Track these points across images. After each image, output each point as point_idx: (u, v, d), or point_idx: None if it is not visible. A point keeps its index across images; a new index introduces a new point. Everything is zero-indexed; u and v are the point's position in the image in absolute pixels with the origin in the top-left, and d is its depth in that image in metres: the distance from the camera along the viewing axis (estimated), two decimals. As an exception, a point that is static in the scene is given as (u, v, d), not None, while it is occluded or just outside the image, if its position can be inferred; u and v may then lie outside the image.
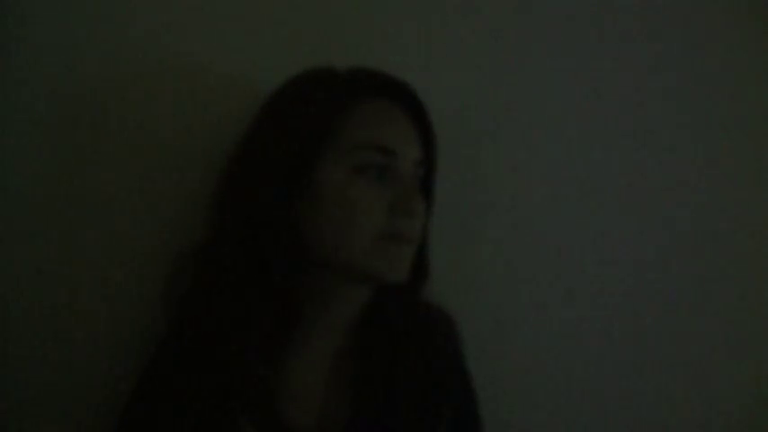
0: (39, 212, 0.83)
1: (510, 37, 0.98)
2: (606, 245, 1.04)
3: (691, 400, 1.08)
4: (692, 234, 1.07)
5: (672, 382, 1.07)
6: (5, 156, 0.82)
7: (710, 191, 1.08)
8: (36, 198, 0.83)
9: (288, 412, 0.72)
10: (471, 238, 0.98)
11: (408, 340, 0.78)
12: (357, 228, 0.69)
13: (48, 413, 0.83)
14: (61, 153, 0.83)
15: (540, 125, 1.00)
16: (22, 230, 0.83)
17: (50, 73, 0.82)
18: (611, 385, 1.05)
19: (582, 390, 1.03)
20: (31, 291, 0.83)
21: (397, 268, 0.71)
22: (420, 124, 0.76)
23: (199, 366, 0.71)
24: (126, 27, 0.84)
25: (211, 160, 0.82)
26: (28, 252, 0.83)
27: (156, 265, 0.82)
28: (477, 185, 0.98)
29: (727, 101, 1.08)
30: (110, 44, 0.83)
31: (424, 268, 0.79)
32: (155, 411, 0.72)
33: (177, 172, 0.86)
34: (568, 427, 1.03)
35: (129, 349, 0.83)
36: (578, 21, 1.01)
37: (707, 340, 1.08)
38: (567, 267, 1.02)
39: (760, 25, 1.09)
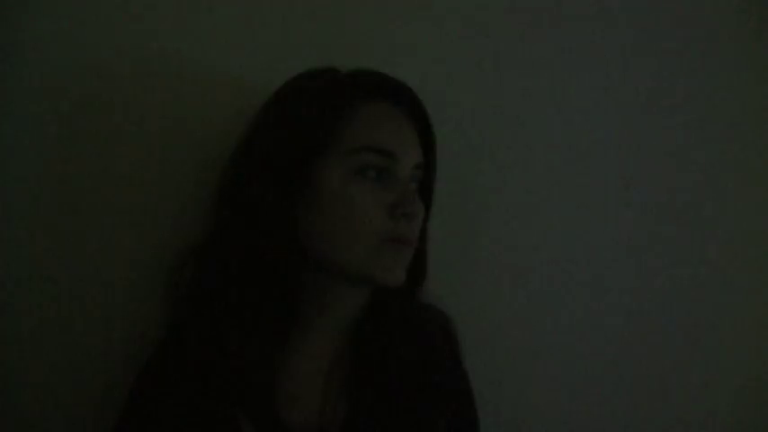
0: (39, 212, 0.83)
1: (510, 38, 0.98)
2: (606, 245, 1.04)
3: (690, 400, 1.08)
4: (693, 234, 1.07)
5: (671, 382, 1.07)
6: (5, 156, 0.82)
7: (710, 190, 1.08)
8: (36, 198, 0.83)
9: (287, 412, 0.72)
10: (469, 240, 0.98)
11: (406, 341, 0.78)
12: (356, 230, 0.69)
13: (48, 413, 0.84)
14: (61, 153, 0.83)
15: (540, 127, 1.00)
16: (22, 230, 0.83)
17: (50, 73, 0.82)
18: (611, 385, 1.05)
19: (580, 390, 1.04)
20: (31, 291, 0.83)
21: (394, 271, 0.71)
22: (420, 126, 0.76)
23: (198, 366, 0.71)
24: (126, 27, 0.84)
25: (211, 160, 0.82)
26: (28, 252, 0.83)
27: (156, 265, 0.82)
28: (476, 187, 0.98)
29: (728, 101, 1.08)
30: (110, 44, 0.83)
31: (423, 270, 0.80)
32: (154, 411, 0.72)
33: (177, 172, 0.86)
34: (567, 426, 1.03)
35: (129, 349, 0.83)
36: (578, 21, 1.01)
37: (707, 340, 1.09)
38: (566, 268, 1.02)
39: (760, 25, 1.09)
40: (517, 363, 1.01)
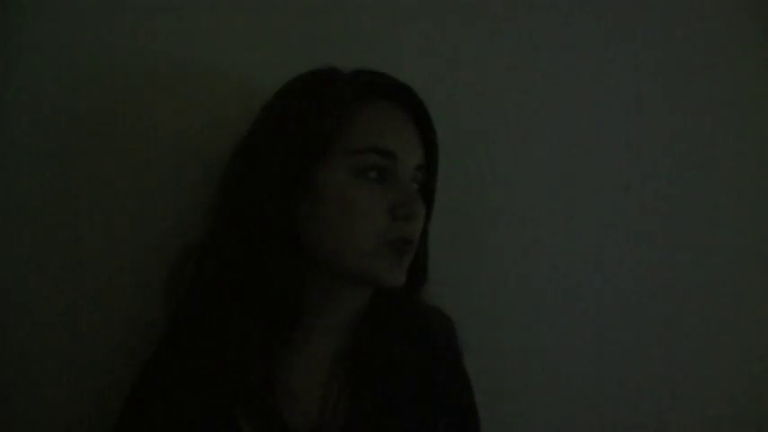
0: (39, 212, 0.83)
1: (512, 39, 0.98)
2: (606, 246, 1.04)
3: (690, 400, 1.08)
4: (692, 234, 1.08)
5: (670, 382, 1.07)
6: (5, 156, 0.82)
7: (711, 191, 1.08)
8: (36, 198, 0.83)
9: (287, 411, 0.72)
10: (470, 240, 0.99)
11: (407, 341, 0.78)
12: (357, 231, 0.69)
13: (48, 413, 0.84)
14: (61, 153, 0.83)
15: (540, 128, 1.00)
16: (22, 230, 0.83)
17: (50, 73, 0.82)
18: (610, 385, 1.05)
19: (580, 390, 1.04)
20: (31, 290, 0.83)
21: (395, 272, 0.71)
22: (422, 127, 0.76)
23: (199, 365, 0.71)
24: (127, 27, 0.84)
25: (213, 159, 0.82)
26: (28, 252, 0.83)
27: (157, 265, 0.82)
28: (476, 187, 0.98)
29: (727, 101, 1.08)
30: (110, 44, 0.83)
31: (423, 271, 0.80)
32: (154, 411, 0.72)
33: (178, 171, 0.86)
34: (566, 426, 1.04)
35: (129, 348, 0.83)
36: (579, 21, 1.01)
37: (707, 340, 1.09)
38: (566, 268, 1.02)
39: (760, 25, 1.09)
40: (517, 363, 1.01)
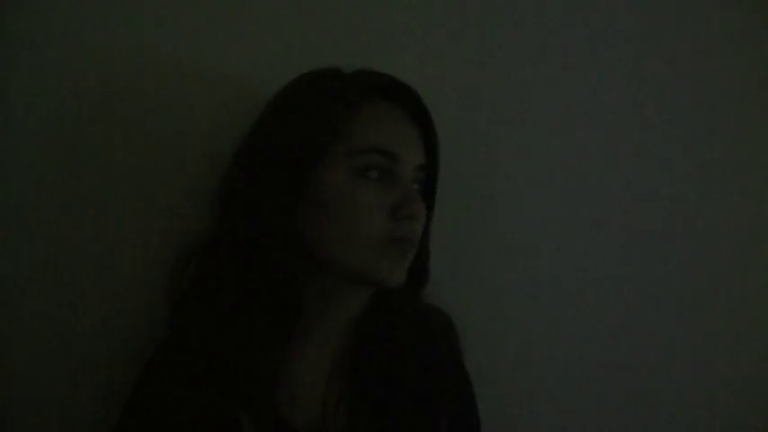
0: (39, 212, 0.83)
1: (513, 39, 0.98)
2: (606, 246, 1.04)
3: (690, 400, 1.08)
4: (693, 234, 1.08)
5: (672, 382, 1.07)
6: (5, 156, 0.82)
7: (711, 191, 1.08)
8: (36, 198, 0.83)
9: (288, 412, 0.72)
10: (470, 240, 0.99)
11: (408, 341, 0.78)
12: (358, 230, 0.69)
13: (48, 413, 0.84)
14: (61, 153, 0.83)
15: (541, 128, 1.00)
16: (22, 230, 0.82)
17: (51, 73, 0.82)
18: (610, 385, 1.05)
19: (580, 390, 1.04)
20: (31, 291, 0.83)
21: (396, 272, 0.71)
22: (423, 128, 0.76)
23: (200, 365, 0.71)
24: (127, 27, 0.84)
25: (213, 159, 0.82)
26: (28, 252, 0.83)
27: (158, 265, 0.82)
28: (476, 187, 0.98)
29: (727, 101, 1.08)
30: (111, 44, 0.83)
31: (425, 271, 0.80)
32: (156, 410, 0.72)
33: (178, 171, 0.86)
34: (566, 426, 1.04)
35: (131, 348, 0.83)
36: (579, 20, 1.01)
37: (706, 340, 1.09)
38: (567, 269, 1.02)
39: (760, 25, 1.09)
40: (518, 363, 1.01)
